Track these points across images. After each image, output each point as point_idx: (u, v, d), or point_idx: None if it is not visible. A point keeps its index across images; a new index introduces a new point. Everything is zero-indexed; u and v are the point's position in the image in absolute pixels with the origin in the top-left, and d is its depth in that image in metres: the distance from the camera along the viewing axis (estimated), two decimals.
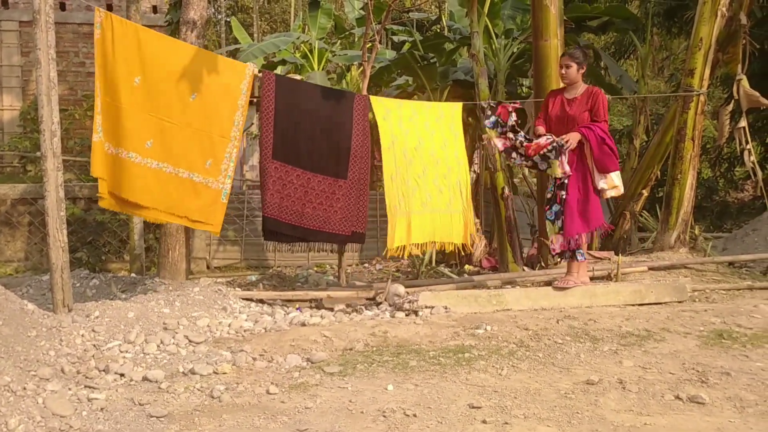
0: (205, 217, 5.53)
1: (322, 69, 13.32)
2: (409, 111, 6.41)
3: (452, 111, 6.81)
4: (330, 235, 6.07)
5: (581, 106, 5.77)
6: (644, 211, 10.80)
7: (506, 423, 3.44)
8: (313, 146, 5.97)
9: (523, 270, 7.80)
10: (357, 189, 6.13)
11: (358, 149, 6.11)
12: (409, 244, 6.12)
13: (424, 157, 6.30)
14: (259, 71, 5.85)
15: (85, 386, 3.83)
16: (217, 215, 5.56)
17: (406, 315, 5.46)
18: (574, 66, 5.80)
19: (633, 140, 11.43)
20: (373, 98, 6.28)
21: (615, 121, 18.30)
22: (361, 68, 8.61)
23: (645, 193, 10.13)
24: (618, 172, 5.84)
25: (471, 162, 12.11)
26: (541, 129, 5.88)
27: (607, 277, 6.54)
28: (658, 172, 10.09)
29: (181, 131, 5.38)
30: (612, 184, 5.77)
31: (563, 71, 5.84)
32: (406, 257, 6.28)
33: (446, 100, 10.29)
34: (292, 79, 6.69)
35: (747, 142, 8.11)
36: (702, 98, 7.73)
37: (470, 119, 11.30)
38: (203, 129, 5.45)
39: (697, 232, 8.22)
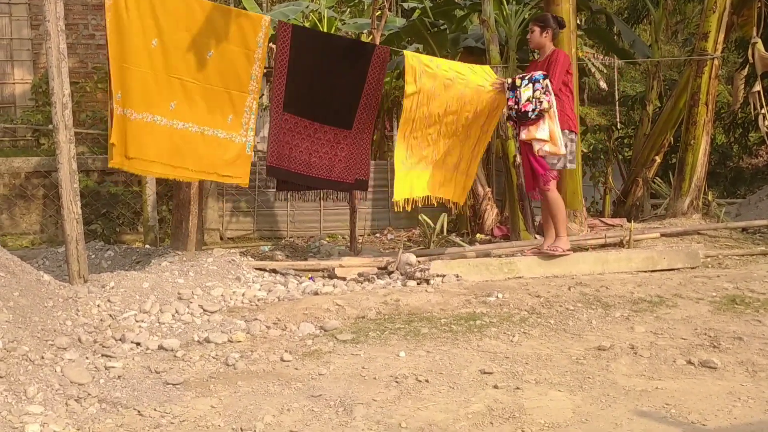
0: (232, 171, 5.68)
1: None
2: (449, 73, 6.10)
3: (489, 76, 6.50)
4: (334, 183, 6.26)
5: (542, 68, 5.78)
6: (657, 178, 10.76)
7: (518, 388, 3.47)
8: (324, 97, 6.03)
9: (535, 238, 7.79)
10: (360, 138, 6.25)
11: (368, 101, 6.13)
12: (412, 198, 6.21)
13: (447, 122, 6.14)
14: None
15: (102, 355, 3.89)
16: (244, 167, 5.72)
17: (418, 284, 5.48)
18: (537, 30, 5.89)
19: (646, 106, 11.33)
20: (410, 54, 5.96)
21: (628, 87, 18.12)
22: (371, 36, 8.54)
23: (658, 159, 10.07)
24: (552, 129, 5.63)
25: None
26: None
27: (620, 244, 6.54)
28: (671, 138, 10.02)
29: (202, 89, 5.44)
30: (543, 136, 5.60)
31: (528, 36, 5.94)
32: (409, 209, 6.35)
33: None
34: (309, 30, 6.63)
35: (762, 107, 8.02)
36: (716, 62, 7.64)
37: None
38: (222, 85, 5.50)
39: (710, 198, 8.19)
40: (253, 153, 5.74)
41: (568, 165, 5.94)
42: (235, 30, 5.53)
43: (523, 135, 5.68)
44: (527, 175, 5.90)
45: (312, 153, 6.06)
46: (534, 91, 5.55)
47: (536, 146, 5.65)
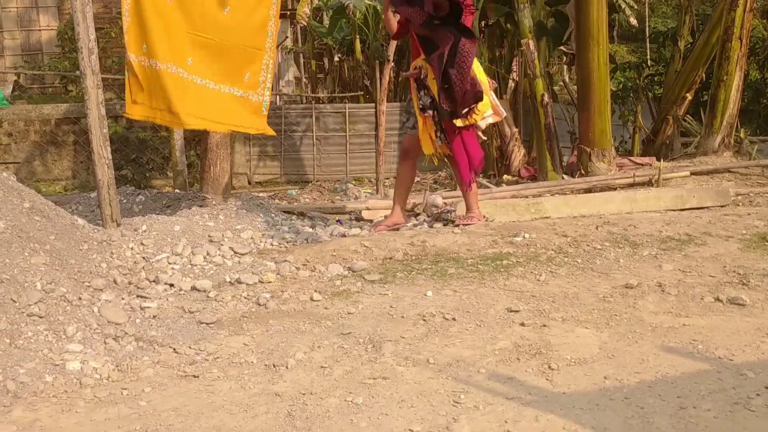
0: (251, 124, 5.63)
1: None
2: None
3: None
4: None
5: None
6: (687, 116, 10.56)
7: (544, 325, 3.50)
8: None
9: (563, 178, 7.75)
10: None
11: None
12: None
13: None
14: None
15: (137, 296, 3.99)
16: (261, 124, 5.65)
17: (444, 225, 5.50)
18: None
19: (677, 42, 11.06)
20: None
21: (659, 23, 17.65)
22: None
23: (689, 96, 9.87)
24: (491, 97, 5.21)
25: (510, 70, 11.91)
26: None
27: (648, 183, 6.49)
28: (703, 75, 9.79)
29: (218, 47, 5.39)
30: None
31: None
32: None
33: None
34: None
35: None
36: None
37: (508, 25, 11.02)
38: (238, 42, 5.45)
39: (742, 135, 8.04)
40: (267, 113, 5.66)
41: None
42: None
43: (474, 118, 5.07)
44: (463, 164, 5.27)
45: None
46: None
47: (483, 124, 5.22)
